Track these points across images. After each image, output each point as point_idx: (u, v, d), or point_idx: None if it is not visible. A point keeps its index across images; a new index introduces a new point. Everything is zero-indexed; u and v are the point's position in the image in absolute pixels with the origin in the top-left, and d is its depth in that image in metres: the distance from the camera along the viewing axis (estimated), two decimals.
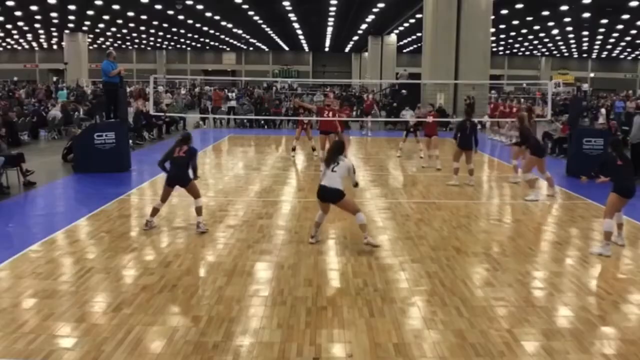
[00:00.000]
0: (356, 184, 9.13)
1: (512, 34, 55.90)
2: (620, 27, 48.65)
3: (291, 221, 10.12)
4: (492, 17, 30.25)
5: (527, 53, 75.50)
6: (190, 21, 47.74)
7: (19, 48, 74.61)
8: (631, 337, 5.63)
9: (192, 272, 7.36)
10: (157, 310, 6.10)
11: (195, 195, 9.29)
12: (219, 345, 5.31)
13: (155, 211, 9.41)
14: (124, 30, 56.80)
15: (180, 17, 44.33)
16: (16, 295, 6.46)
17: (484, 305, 6.37)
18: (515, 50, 73.77)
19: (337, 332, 5.65)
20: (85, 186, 13.21)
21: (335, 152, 8.60)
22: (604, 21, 45.38)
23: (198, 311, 6.09)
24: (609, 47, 66.70)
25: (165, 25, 51.37)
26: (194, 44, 71.96)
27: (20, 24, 50.66)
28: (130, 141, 17.57)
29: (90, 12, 41.92)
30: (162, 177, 14.10)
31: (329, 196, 8.40)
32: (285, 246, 8.56)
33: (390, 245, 8.70)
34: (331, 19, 46.26)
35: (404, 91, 29.37)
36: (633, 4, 36.02)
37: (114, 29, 54.82)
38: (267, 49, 77.15)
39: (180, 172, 9.19)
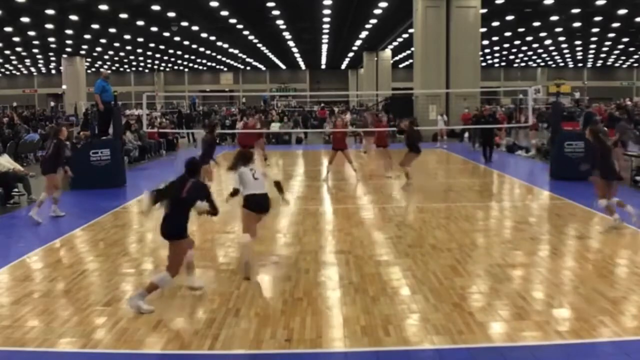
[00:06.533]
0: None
1: (506, 45, 56.42)
2: (611, 35, 49.20)
3: (287, 227, 10.57)
4: (484, 29, 30.80)
5: (523, 65, 76.07)
6: (186, 42, 48.44)
7: (18, 73, 75.50)
8: (583, 315, 6.05)
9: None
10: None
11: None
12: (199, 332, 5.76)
13: None
14: (121, 53, 57.45)
15: (177, 38, 45.02)
16: (15, 294, 6.93)
17: (450, 292, 6.79)
18: (511, 63, 74.36)
19: (309, 318, 6.09)
20: (81, 201, 13.66)
21: (242, 158, 7.77)
22: (595, 30, 45.90)
23: (181, 301, 6.57)
24: (603, 55, 67.32)
25: (162, 47, 52.07)
26: (191, 65, 72.63)
27: (18, 49, 51.42)
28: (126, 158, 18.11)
29: (87, 36, 42.59)
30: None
31: (267, 204, 7.63)
32: (272, 247, 9.02)
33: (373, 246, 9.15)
34: (325, 36, 46.95)
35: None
36: (621, 11, 36.61)
37: (111, 52, 55.51)
38: (264, 68, 77.83)
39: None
